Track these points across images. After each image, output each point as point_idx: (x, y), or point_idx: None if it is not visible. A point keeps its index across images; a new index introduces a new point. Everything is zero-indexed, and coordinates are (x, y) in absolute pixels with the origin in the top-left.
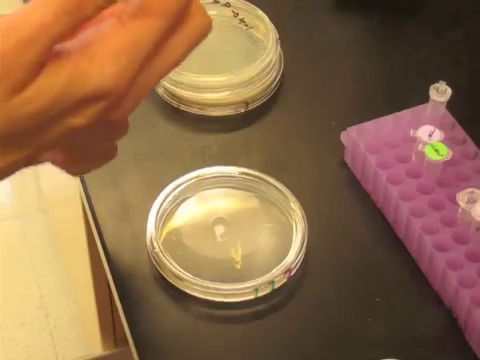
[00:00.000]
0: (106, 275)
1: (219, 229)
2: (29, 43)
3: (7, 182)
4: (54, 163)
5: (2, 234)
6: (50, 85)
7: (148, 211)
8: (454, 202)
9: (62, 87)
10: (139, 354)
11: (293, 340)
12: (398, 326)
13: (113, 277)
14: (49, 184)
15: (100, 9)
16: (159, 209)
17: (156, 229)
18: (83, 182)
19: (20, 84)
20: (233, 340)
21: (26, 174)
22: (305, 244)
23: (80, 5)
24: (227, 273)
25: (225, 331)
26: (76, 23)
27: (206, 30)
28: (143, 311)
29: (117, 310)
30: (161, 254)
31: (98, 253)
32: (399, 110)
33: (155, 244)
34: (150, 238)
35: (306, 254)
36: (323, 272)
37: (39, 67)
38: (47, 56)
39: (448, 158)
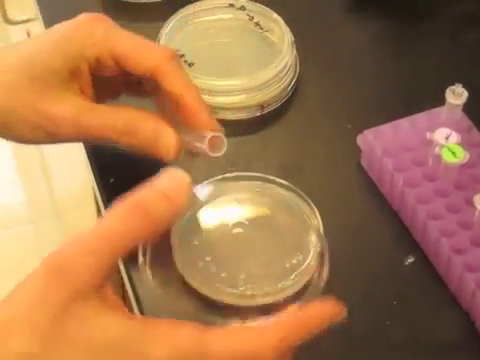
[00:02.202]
0: (121, 279)
1: (237, 233)
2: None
3: (20, 187)
4: None
5: (16, 239)
6: None
7: None
8: (471, 205)
9: None
10: None
11: (310, 344)
12: (415, 329)
13: (129, 282)
14: (62, 189)
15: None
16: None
17: (174, 236)
18: (99, 188)
19: None
20: None
21: (39, 179)
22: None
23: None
24: (243, 275)
25: None
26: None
27: None
28: (159, 313)
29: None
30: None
31: None
32: (415, 113)
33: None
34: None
35: None
36: (340, 275)
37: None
38: None
39: (465, 161)
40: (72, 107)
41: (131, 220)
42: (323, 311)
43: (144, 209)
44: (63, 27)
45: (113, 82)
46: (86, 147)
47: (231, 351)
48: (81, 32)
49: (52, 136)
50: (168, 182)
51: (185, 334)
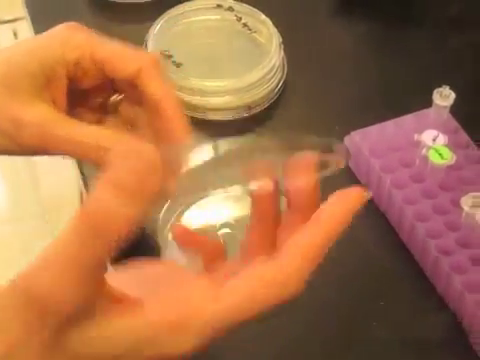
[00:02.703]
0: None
1: (225, 233)
2: None
3: (5, 186)
4: None
5: (0, 238)
6: None
7: (151, 219)
8: (458, 206)
9: None
10: None
11: (295, 344)
12: (403, 329)
13: None
14: (48, 188)
15: None
16: (163, 217)
17: (161, 238)
18: (84, 187)
19: None
20: (234, 344)
21: (25, 178)
22: None
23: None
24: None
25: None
26: None
27: None
28: None
29: None
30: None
31: None
32: (403, 114)
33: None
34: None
35: None
36: (327, 276)
37: None
38: None
39: (452, 162)
40: (40, 114)
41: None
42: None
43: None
44: (43, 34)
45: (87, 97)
46: None
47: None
48: (61, 36)
49: (18, 145)
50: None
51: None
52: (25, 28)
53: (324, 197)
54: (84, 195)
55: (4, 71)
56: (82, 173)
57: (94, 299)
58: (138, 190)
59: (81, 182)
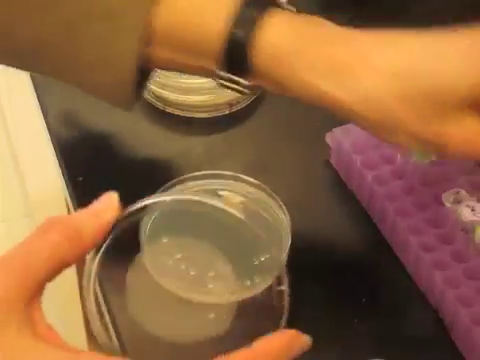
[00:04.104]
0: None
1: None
2: None
3: None
4: None
5: None
6: None
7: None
8: (440, 202)
9: None
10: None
11: None
12: (384, 326)
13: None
14: (35, 188)
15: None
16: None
17: (143, 233)
18: (68, 186)
19: None
20: (217, 336)
21: (12, 178)
22: (288, 245)
23: None
24: (212, 273)
25: None
26: None
27: None
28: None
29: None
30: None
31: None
32: None
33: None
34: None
35: (290, 255)
36: (308, 273)
37: None
38: None
39: (434, 158)
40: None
41: (50, 236)
42: (284, 343)
43: (65, 224)
44: None
45: None
46: (54, 144)
47: None
48: None
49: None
50: (96, 202)
51: None
52: None
53: (309, 192)
54: (66, 194)
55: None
56: (63, 172)
57: (30, 305)
58: None
59: (63, 182)
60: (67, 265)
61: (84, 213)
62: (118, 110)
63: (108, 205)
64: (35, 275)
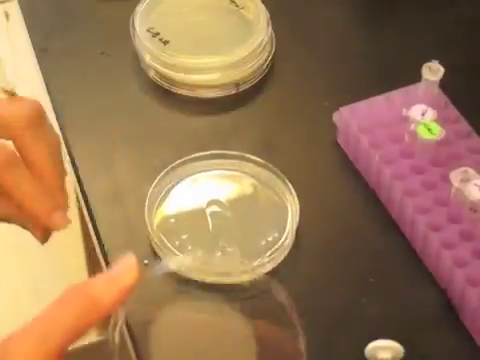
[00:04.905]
0: (99, 261)
1: (213, 211)
2: None
3: None
4: None
5: None
6: None
7: (140, 195)
8: (447, 182)
9: None
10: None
11: None
12: (392, 306)
13: (106, 262)
14: None
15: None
16: (152, 193)
17: (150, 214)
18: (74, 166)
19: None
20: (226, 320)
21: None
22: (296, 225)
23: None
24: (219, 253)
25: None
26: None
27: None
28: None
29: None
30: (157, 238)
31: (91, 238)
32: (392, 90)
33: (150, 229)
34: (146, 223)
35: (298, 235)
36: (316, 253)
37: None
38: None
39: (441, 137)
40: None
41: (69, 309)
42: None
43: (84, 293)
44: None
45: None
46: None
47: None
48: None
49: None
50: (115, 265)
51: None
52: (16, 10)
53: (317, 172)
54: (74, 176)
55: None
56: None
57: None
58: None
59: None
60: (85, 332)
61: (103, 279)
62: (124, 92)
63: (127, 268)
64: (55, 348)
